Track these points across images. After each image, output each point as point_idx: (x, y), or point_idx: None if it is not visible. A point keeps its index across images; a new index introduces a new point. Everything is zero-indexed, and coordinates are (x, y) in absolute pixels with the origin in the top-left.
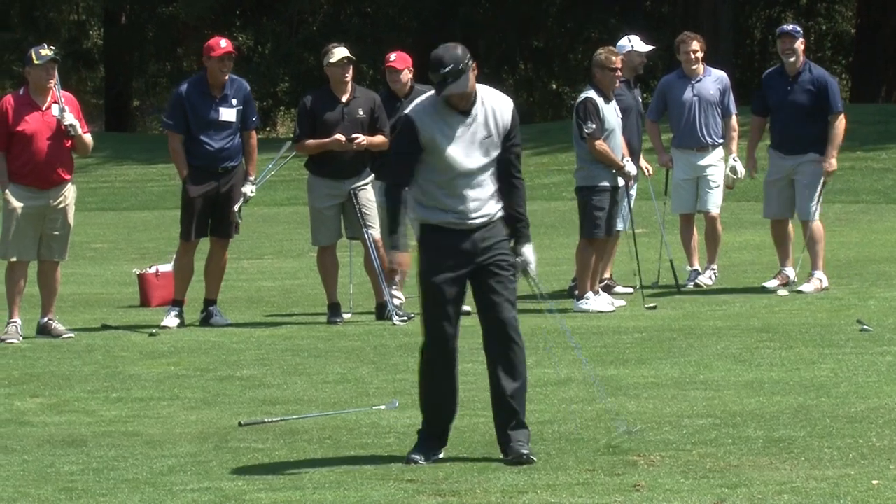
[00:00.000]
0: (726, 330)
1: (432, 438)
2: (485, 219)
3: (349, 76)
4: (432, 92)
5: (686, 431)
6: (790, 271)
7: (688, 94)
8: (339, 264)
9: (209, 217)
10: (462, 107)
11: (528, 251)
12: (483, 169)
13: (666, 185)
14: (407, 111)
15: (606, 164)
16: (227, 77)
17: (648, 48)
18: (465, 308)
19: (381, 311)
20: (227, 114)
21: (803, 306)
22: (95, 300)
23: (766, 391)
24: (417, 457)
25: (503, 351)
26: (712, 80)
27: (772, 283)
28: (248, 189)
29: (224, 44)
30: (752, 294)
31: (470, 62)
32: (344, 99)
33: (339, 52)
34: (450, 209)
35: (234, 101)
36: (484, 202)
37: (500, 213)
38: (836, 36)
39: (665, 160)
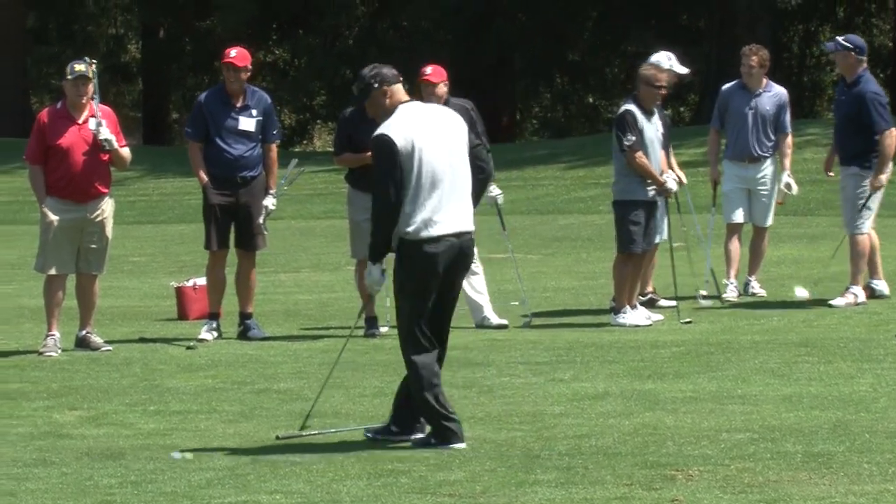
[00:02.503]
0: (764, 344)
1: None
2: None
3: (435, 93)
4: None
5: (724, 446)
6: (881, 284)
7: (745, 107)
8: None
9: (230, 227)
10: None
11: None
12: None
13: (714, 198)
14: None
15: (644, 178)
16: (241, 86)
17: (684, 71)
18: (503, 322)
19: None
20: (247, 123)
21: (842, 321)
22: (133, 313)
23: (804, 406)
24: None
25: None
26: (770, 96)
27: (839, 301)
28: (270, 202)
29: (234, 53)
30: (790, 308)
31: (375, 85)
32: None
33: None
34: None
35: (255, 112)
36: None
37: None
38: (874, 49)
39: (715, 175)
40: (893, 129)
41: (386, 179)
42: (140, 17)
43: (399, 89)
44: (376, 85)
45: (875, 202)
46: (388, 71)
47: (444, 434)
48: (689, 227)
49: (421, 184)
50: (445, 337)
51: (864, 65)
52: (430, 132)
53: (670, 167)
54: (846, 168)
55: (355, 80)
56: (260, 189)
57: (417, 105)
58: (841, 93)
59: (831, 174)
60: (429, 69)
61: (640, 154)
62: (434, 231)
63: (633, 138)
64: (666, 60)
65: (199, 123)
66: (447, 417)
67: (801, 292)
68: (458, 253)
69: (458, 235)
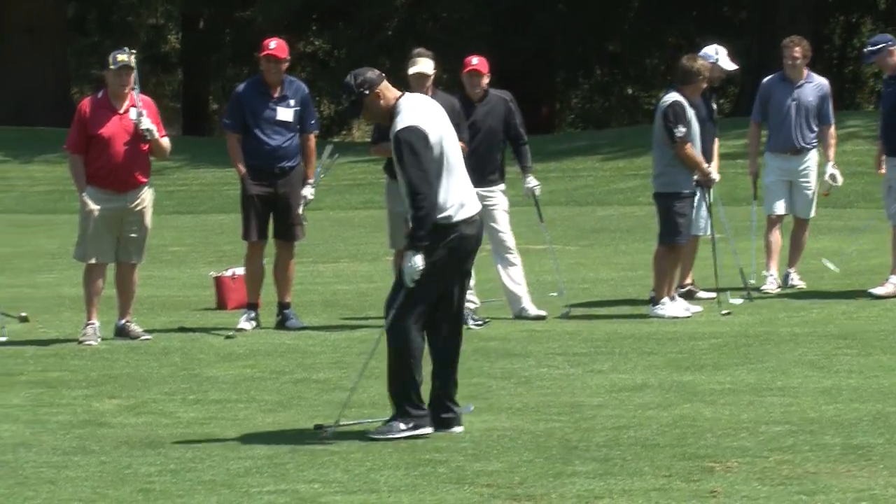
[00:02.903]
0: (803, 336)
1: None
2: None
3: (428, 84)
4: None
5: (763, 438)
6: None
7: (787, 99)
8: None
9: (268, 217)
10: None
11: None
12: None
13: (755, 191)
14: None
15: (690, 169)
16: (280, 77)
17: (732, 67)
18: (541, 313)
19: None
20: (284, 113)
21: (882, 313)
22: (172, 303)
23: (844, 398)
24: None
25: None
26: (812, 87)
27: (879, 291)
28: (308, 192)
29: (273, 45)
30: (829, 300)
31: (365, 91)
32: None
33: (419, 67)
34: None
35: (292, 102)
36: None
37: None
38: None
39: (754, 170)
40: None
41: (425, 168)
42: (180, 7)
43: (388, 86)
44: (367, 91)
45: None
46: (371, 73)
47: (412, 417)
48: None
49: (449, 169)
50: (461, 325)
51: None
52: (441, 119)
53: (709, 156)
54: (891, 159)
55: (343, 94)
56: (298, 179)
57: (415, 95)
58: (888, 85)
59: (882, 171)
60: (475, 59)
61: (689, 145)
62: (467, 213)
63: (685, 129)
64: (713, 53)
65: (237, 115)
66: (416, 405)
67: (829, 264)
68: (480, 231)
69: (478, 215)
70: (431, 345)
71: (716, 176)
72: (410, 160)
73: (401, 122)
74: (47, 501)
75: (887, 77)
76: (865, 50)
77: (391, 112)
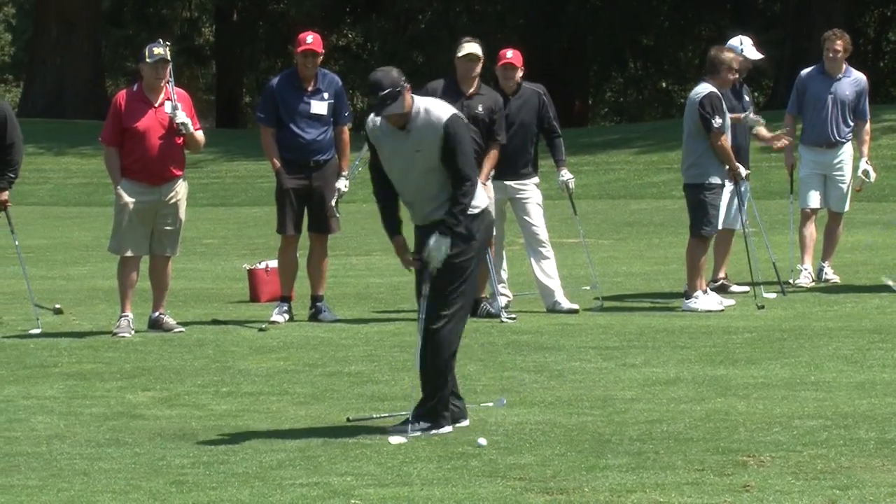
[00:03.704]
0: (837, 330)
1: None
2: (429, 223)
3: (476, 72)
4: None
5: (797, 432)
6: None
7: (825, 92)
8: None
9: (303, 211)
10: (399, 124)
11: (432, 241)
12: (422, 179)
13: (791, 184)
14: (367, 123)
15: (722, 161)
16: (315, 71)
17: (758, 56)
18: (574, 306)
19: (476, 308)
20: (319, 107)
21: None
22: (206, 295)
23: (878, 392)
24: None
25: (426, 345)
26: (850, 81)
27: None
28: (342, 184)
29: (310, 39)
30: (863, 294)
31: (405, 84)
32: (468, 93)
33: (468, 48)
34: (411, 211)
35: (326, 95)
36: (429, 209)
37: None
38: None
39: (791, 163)
40: None
41: (472, 156)
42: (214, 0)
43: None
44: (406, 84)
45: None
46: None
47: (438, 414)
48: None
49: None
50: (427, 314)
51: None
52: None
53: (738, 154)
54: None
55: (377, 90)
56: (333, 172)
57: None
58: None
59: None
60: (510, 52)
61: (725, 137)
62: (486, 201)
63: (721, 121)
64: (738, 44)
65: (270, 108)
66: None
67: (890, 282)
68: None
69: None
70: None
71: (744, 172)
72: (462, 148)
73: (441, 111)
74: (81, 493)
75: None
76: None
77: (410, 111)
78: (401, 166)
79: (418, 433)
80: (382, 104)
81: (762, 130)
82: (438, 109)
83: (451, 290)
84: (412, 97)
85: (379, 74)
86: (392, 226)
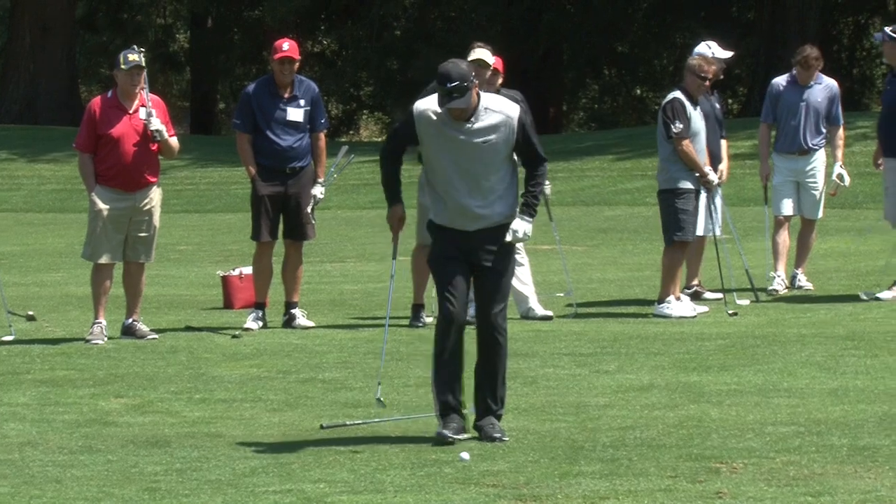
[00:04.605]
0: (810, 337)
1: (448, 413)
2: (483, 225)
3: (484, 77)
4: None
5: (769, 439)
6: None
7: (797, 100)
8: None
9: (279, 217)
10: (461, 118)
11: (517, 223)
12: (480, 176)
13: (766, 192)
14: (415, 104)
15: (689, 167)
16: (292, 78)
17: (727, 54)
18: (548, 313)
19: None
20: (295, 114)
21: (888, 314)
22: (179, 302)
23: (850, 399)
24: (446, 432)
25: (487, 343)
26: (822, 88)
27: (887, 295)
28: (318, 191)
29: (287, 46)
30: (837, 301)
31: (474, 80)
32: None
33: (476, 53)
34: (446, 215)
35: (303, 102)
36: (483, 212)
37: (504, 220)
38: None
39: (766, 173)
40: None
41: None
42: (189, 6)
43: None
44: (475, 80)
45: None
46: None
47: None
48: (736, 221)
49: None
50: (483, 311)
51: None
52: None
53: (712, 160)
54: (890, 160)
55: (445, 81)
56: (309, 179)
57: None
58: (889, 83)
59: (881, 167)
60: (492, 59)
61: (687, 142)
62: (443, 221)
63: (682, 126)
64: (707, 49)
65: (247, 115)
66: (436, 393)
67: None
68: (471, 243)
69: None
70: (459, 342)
71: (713, 178)
72: (535, 134)
73: (509, 105)
74: (53, 500)
75: (890, 75)
76: (886, 29)
77: (476, 105)
78: (459, 161)
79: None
80: (449, 97)
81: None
82: (505, 104)
83: (505, 281)
84: (479, 94)
85: (449, 66)
86: (396, 192)
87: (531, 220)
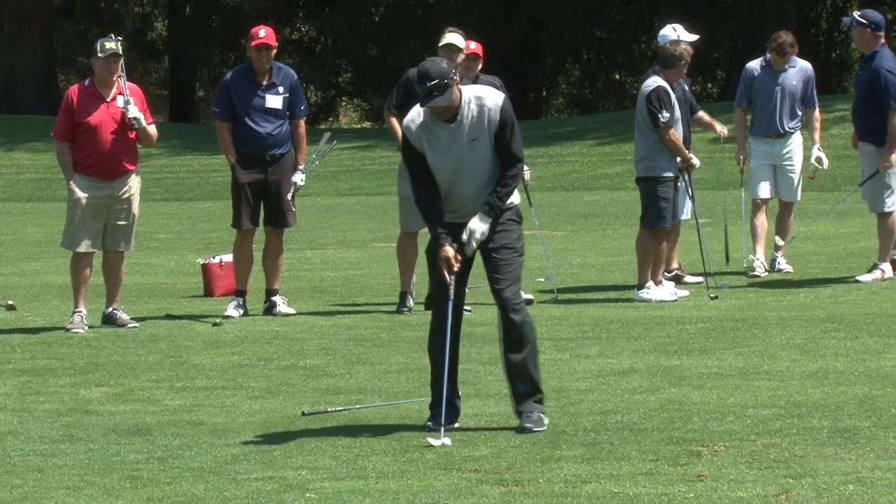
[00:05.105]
0: (791, 320)
1: (440, 405)
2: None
3: (457, 62)
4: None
5: (750, 422)
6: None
7: (772, 83)
8: (418, 253)
9: (260, 205)
10: (445, 117)
11: (473, 222)
12: (478, 170)
13: (742, 177)
14: (403, 122)
15: (673, 154)
16: (269, 65)
17: (694, 37)
18: (528, 297)
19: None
20: (274, 101)
21: (868, 296)
22: (160, 290)
23: (831, 381)
24: (431, 423)
25: (506, 325)
26: (796, 71)
27: (866, 277)
28: (298, 178)
29: (263, 33)
30: (816, 284)
31: (455, 77)
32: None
33: (448, 38)
34: (448, 209)
35: (281, 89)
36: (479, 204)
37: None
38: None
39: (743, 154)
40: None
41: (521, 139)
42: None
43: None
44: (455, 77)
45: (895, 180)
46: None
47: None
48: (714, 204)
49: None
50: (500, 293)
51: (882, 40)
52: None
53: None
54: (863, 145)
55: (425, 80)
56: (289, 166)
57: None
58: (861, 68)
59: (858, 151)
60: (472, 44)
61: (673, 130)
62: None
63: (669, 115)
64: (673, 32)
65: (225, 103)
66: (433, 385)
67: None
68: None
69: None
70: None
71: (696, 161)
72: (515, 129)
73: (493, 96)
74: (35, 489)
75: (862, 60)
76: (855, 14)
77: (458, 103)
78: (454, 160)
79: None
80: (429, 95)
81: (704, 116)
82: (490, 95)
83: (515, 267)
84: (460, 90)
85: (427, 65)
86: (438, 226)
87: (489, 220)
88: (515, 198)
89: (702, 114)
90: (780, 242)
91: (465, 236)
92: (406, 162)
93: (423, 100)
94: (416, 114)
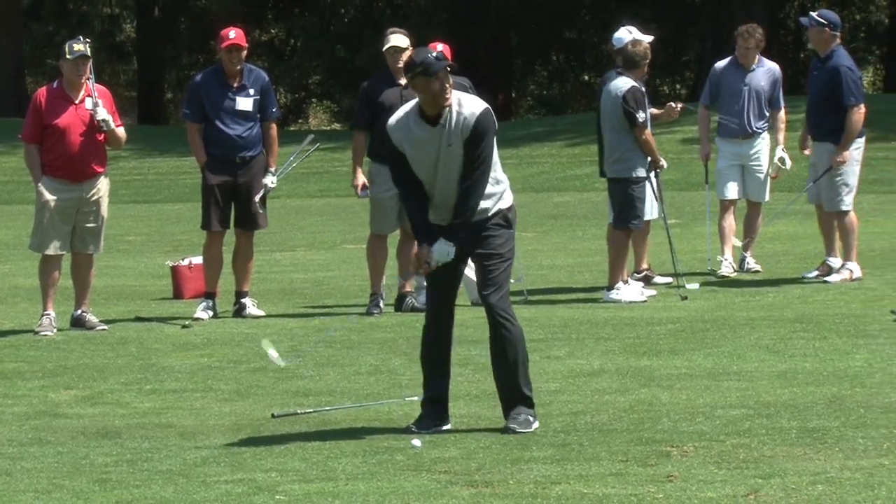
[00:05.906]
0: (760, 320)
1: (431, 408)
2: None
3: (401, 63)
4: (411, 103)
5: (719, 422)
6: (834, 261)
7: (739, 84)
8: (388, 255)
9: (230, 207)
10: (431, 112)
11: (438, 246)
12: (449, 178)
13: (706, 175)
14: (387, 125)
15: (646, 154)
16: (240, 67)
17: (650, 38)
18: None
19: (401, 303)
20: (244, 103)
21: (837, 297)
22: (129, 292)
23: (799, 381)
24: (413, 426)
25: (494, 333)
26: (764, 72)
27: (835, 278)
28: (269, 180)
29: (233, 34)
30: (785, 284)
31: (446, 67)
32: (402, 82)
33: (391, 40)
34: (434, 212)
35: (252, 91)
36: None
37: (492, 211)
38: (870, 26)
39: (706, 153)
40: (862, 105)
41: (492, 155)
42: None
43: None
44: (448, 67)
45: (853, 178)
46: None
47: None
48: (683, 205)
49: None
50: (487, 299)
51: (838, 40)
52: None
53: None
54: (821, 144)
55: (411, 67)
56: (260, 168)
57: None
58: (815, 68)
59: (807, 152)
60: (439, 46)
61: (648, 131)
62: (432, 218)
63: (645, 115)
64: (628, 35)
65: (196, 105)
66: (424, 388)
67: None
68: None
69: None
70: (446, 336)
71: (664, 163)
72: (491, 142)
73: (475, 104)
74: (3, 493)
75: (816, 60)
76: (812, 14)
77: (449, 102)
78: (433, 163)
79: (532, 420)
80: (413, 75)
81: (654, 110)
82: (471, 104)
83: (499, 273)
84: (451, 93)
85: (414, 54)
86: (429, 233)
87: (450, 245)
88: (505, 201)
89: (653, 109)
90: (738, 243)
91: (426, 255)
92: (390, 161)
93: (410, 81)
94: (401, 113)
